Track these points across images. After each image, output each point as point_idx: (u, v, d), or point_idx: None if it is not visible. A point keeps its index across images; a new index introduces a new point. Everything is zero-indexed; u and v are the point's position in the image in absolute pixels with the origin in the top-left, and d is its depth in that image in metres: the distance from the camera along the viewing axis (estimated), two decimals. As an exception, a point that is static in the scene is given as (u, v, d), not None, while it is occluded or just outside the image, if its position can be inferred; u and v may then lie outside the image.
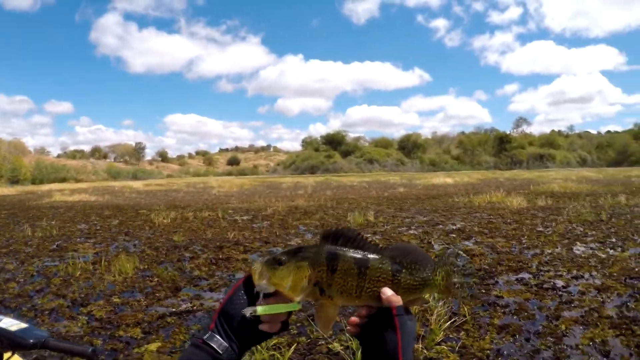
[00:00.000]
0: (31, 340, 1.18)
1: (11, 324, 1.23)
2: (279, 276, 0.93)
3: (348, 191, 26.51)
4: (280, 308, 0.95)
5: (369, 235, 9.69)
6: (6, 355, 1.24)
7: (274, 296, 0.95)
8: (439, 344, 3.97)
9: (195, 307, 5.20)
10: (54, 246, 9.17)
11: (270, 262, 0.94)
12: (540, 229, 9.96)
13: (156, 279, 6.44)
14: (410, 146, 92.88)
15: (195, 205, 18.69)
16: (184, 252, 8.37)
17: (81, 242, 9.62)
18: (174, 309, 5.13)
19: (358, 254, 0.97)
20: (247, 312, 0.92)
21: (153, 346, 4.20)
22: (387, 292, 0.96)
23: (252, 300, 0.95)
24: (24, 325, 1.24)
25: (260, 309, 0.93)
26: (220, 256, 7.92)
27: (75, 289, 5.92)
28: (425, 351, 3.80)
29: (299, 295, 0.94)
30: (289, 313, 0.98)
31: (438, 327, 4.18)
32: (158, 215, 13.81)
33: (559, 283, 5.71)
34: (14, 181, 39.04)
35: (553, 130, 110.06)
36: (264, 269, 0.93)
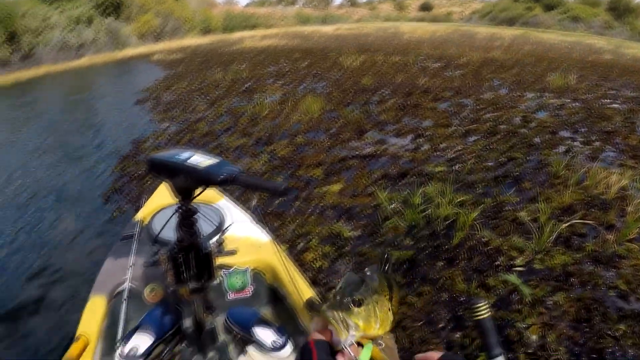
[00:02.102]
0: (220, 177, 1.22)
1: (201, 160, 1.26)
2: (364, 318, 0.86)
3: (547, 49, 23.26)
4: (367, 353, 0.87)
5: (569, 101, 8.37)
6: (197, 190, 1.31)
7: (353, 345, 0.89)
8: (630, 240, 3.35)
9: (379, 152, 5.10)
10: (244, 88, 9.79)
11: (348, 307, 0.86)
12: None
13: (341, 121, 6.47)
14: (621, 9, 77.97)
15: (385, 49, 18.23)
16: (372, 96, 8.25)
17: (270, 84, 10.10)
18: (357, 152, 5.10)
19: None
20: None
21: (335, 187, 4.23)
22: None
23: None
24: (215, 160, 1.27)
25: None
26: (409, 102, 7.62)
27: (260, 128, 6.24)
28: (615, 245, 3.24)
29: (386, 330, 0.90)
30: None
31: (633, 221, 3.48)
32: (347, 58, 13.83)
33: None
34: (206, 31, 42.39)
35: None
36: (347, 317, 0.85)
